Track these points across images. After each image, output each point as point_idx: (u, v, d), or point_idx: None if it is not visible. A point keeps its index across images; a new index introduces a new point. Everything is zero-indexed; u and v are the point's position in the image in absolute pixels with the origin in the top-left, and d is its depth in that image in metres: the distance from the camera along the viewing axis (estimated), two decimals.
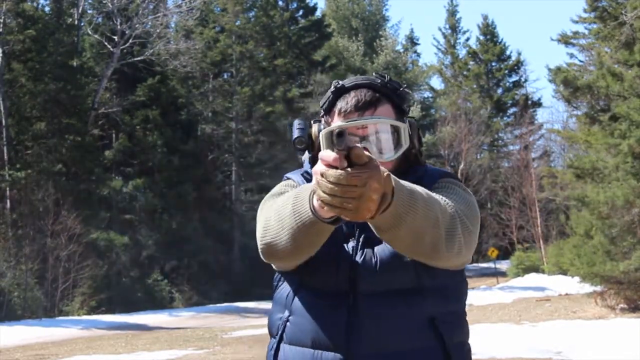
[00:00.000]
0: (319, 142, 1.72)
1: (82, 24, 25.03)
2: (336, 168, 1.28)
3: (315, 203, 1.39)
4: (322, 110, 1.79)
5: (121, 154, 24.71)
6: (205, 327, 15.14)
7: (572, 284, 17.20)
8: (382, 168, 1.32)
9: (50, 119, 22.39)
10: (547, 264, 24.59)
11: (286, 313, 1.71)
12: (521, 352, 8.89)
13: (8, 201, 20.39)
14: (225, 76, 30.26)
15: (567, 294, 17.72)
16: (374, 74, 1.80)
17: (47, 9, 24.94)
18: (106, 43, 24.43)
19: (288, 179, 1.82)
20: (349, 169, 1.26)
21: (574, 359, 8.40)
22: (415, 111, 37.77)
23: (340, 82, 1.77)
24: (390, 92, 1.75)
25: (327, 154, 1.29)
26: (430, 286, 1.66)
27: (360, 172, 1.26)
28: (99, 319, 17.50)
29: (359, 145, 1.29)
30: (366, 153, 1.29)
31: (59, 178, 21.23)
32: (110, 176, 24.83)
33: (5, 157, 20.65)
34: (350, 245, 1.67)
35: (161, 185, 24.79)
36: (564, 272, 19.02)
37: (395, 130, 1.71)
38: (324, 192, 1.29)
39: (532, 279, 23.71)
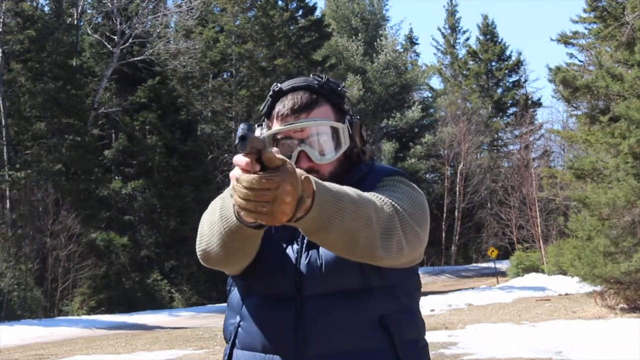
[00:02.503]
0: None
1: (81, 23, 25.03)
2: (249, 172, 1.28)
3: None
4: (263, 114, 1.78)
5: (121, 154, 24.69)
6: (205, 327, 15.13)
7: (572, 284, 17.21)
8: (299, 171, 1.33)
9: (50, 119, 22.38)
10: (547, 264, 24.59)
11: (237, 318, 1.70)
12: (521, 352, 8.88)
13: (8, 201, 20.39)
14: (225, 76, 30.26)
15: (567, 294, 17.72)
16: (311, 75, 1.79)
17: (46, 8, 24.96)
18: (106, 43, 24.42)
19: None
20: (261, 173, 1.27)
21: (574, 359, 8.40)
22: (415, 111, 37.79)
23: (279, 85, 1.76)
24: (328, 92, 1.75)
25: (239, 159, 1.29)
26: (378, 285, 1.65)
27: (272, 176, 1.27)
28: (98, 319, 17.49)
29: (272, 149, 1.30)
30: (279, 156, 1.29)
31: (58, 178, 21.22)
32: (110, 176, 24.82)
33: (5, 157, 20.64)
34: (294, 248, 1.66)
35: (160, 185, 24.78)
36: (564, 272, 19.02)
37: (335, 131, 1.71)
38: (239, 197, 1.29)
39: (532, 279, 23.70)
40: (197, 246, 1.65)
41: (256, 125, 1.78)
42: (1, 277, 17.22)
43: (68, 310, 19.28)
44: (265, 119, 1.77)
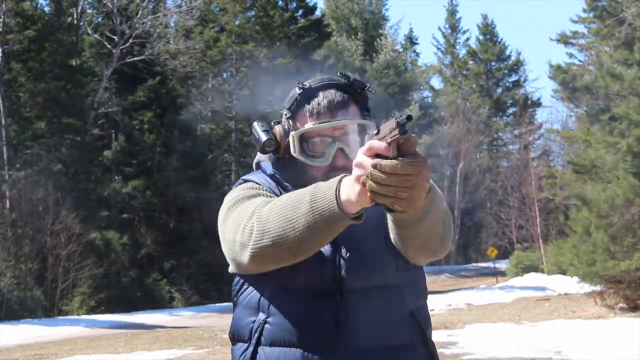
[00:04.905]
0: (285, 144, 1.73)
1: (81, 23, 25.01)
2: (384, 158, 1.28)
3: (352, 197, 1.37)
4: (287, 111, 1.75)
5: (120, 154, 24.71)
6: (205, 326, 15.13)
7: (571, 284, 17.21)
8: None
9: (50, 119, 22.38)
10: (546, 263, 24.59)
11: (261, 315, 1.65)
12: (521, 352, 8.89)
13: (8, 201, 20.37)
14: (225, 76, 30.24)
15: (566, 294, 17.72)
16: (338, 74, 1.78)
17: (46, 8, 24.95)
18: (106, 43, 24.41)
19: (250, 181, 1.75)
20: (401, 158, 1.27)
21: (574, 358, 8.41)
22: (414, 111, 37.80)
23: (306, 82, 1.74)
24: (356, 92, 1.74)
25: (377, 144, 1.30)
26: (408, 281, 1.70)
27: (415, 161, 1.27)
28: (98, 319, 17.49)
29: (413, 134, 1.29)
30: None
31: (58, 178, 21.21)
32: (110, 176, 24.83)
33: (5, 157, 20.63)
34: (331, 243, 1.64)
35: (160, 185, 24.78)
36: (564, 272, 19.01)
37: (362, 130, 1.71)
38: (376, 182, 1.28)
39: (531, 278, 23.69)
40: (254, 243, 1.53)
41: (272, 123, 1.78)
42: (1, 276, 17.22)
43: (68, 310, 19.27)
44: (288, 117, 1.75)
